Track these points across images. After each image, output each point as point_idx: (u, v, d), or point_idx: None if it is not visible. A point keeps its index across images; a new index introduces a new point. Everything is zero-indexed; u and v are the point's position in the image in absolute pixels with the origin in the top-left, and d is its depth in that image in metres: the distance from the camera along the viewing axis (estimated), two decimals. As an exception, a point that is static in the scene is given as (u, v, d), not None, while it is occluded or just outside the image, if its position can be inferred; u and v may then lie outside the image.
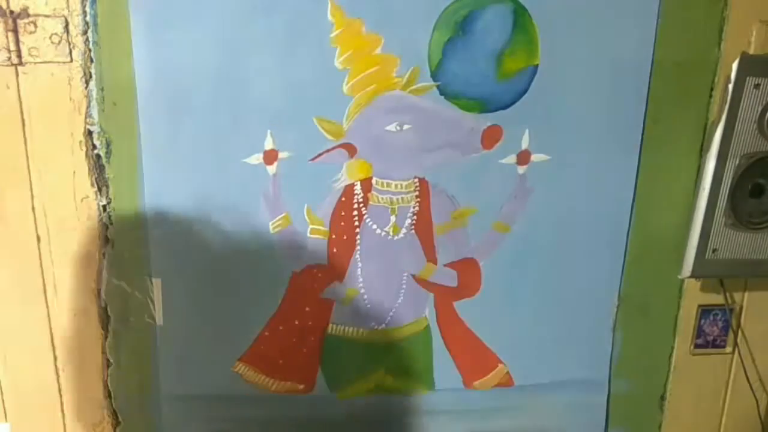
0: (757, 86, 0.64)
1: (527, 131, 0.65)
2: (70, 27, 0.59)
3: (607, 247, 0.70)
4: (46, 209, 0.63)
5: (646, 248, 0.71)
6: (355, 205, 0.66)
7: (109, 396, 0.69)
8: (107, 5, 0.58)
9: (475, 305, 0.70)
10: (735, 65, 0.64)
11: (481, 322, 0.71)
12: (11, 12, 0.58)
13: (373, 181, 0.66)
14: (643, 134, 0.67)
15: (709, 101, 0.67)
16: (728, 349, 0.76)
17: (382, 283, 0.69)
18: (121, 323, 0.67)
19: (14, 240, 0.63)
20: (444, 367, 0.72)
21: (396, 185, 0.66)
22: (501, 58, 0.62)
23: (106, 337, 0.67)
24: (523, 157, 0.66)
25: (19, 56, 0.58)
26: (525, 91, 0.64)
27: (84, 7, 0.58)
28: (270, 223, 0.65)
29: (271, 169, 0.64)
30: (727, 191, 0.67)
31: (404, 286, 0.69)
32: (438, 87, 0.63)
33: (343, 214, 0.66)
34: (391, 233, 0.67)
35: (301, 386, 0.71)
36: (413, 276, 0.69)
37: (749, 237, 0.69)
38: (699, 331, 0.75)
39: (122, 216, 0.64)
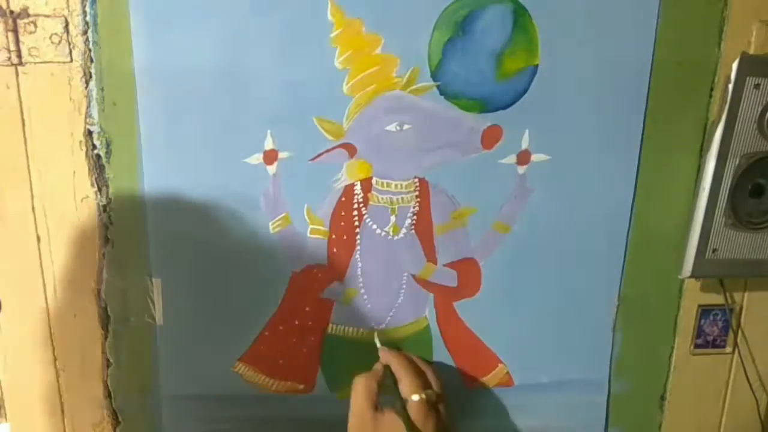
0: (757, 86, 0.64)
1: (527, 131, 0.65)
2: (70, 27, 0.59)
3: (607, 247, 0.70)
4: (46, 209, 0.63)
5: (646, 248, 0.71)
6: (355, 205, 0.66)
7: (109, 396, 0.69)
8: (107, 5, 0.58)
9: (475, 305, 0.70)
10: (735, 65, 0.64)
11: (481, 322, 0.71)
12: (11, 12, 0.58)
13: (373, 181, 0.66)
14: (643, 134, 0.67)
15: (709, 101, 0.67)
16: (728, 349, 0.76)
17: (382, 283, 0.69)
18: (121, 323, 0.67)
19: (14, 240, 0.63)
20: (444, 367, 0.72)
21: (396, 185, 0.66)
22: (501, 58, 0.62)
23: (106, 337, 0.67)
24: (523, 157, 0.66)
25: (19, 56, 0.58)
26: (525, 91, 0.64)
27: (84, 7, 0.58)
28: (270, 223, 0.65)
29: (271, 169, 0.64)
30: (727, 191, 0.67)
31: (404, 286, 0.69)
32: (438, 87, 0.63)
33: (343, 214, 0.66)
34: (391, 233, 0.67)
35: (301, 386, 0.71)
36: (413, 276, 0.69)
37: (749, 237, 0.69)
38: (699, 331, 0.75)
39: (122, 216, 0.64)
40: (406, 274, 0.69)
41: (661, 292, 0.73)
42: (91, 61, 0.60)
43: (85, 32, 0.59)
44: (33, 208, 0.63)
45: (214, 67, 0.60)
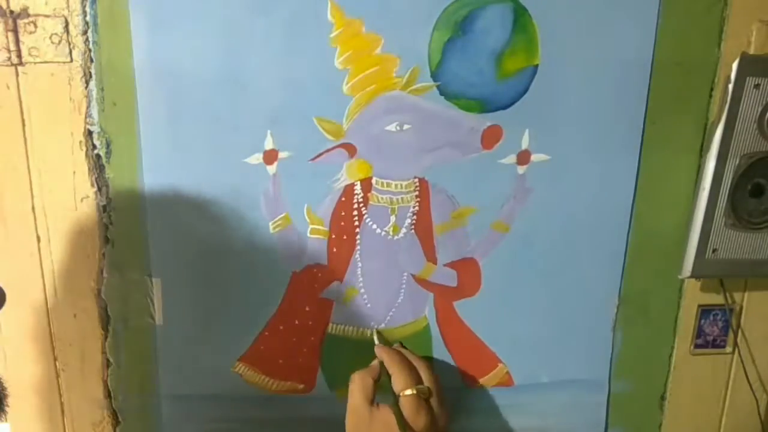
0: (757, 86, 0.64)
1: (527, 131, 0.65)
2: (70, 27, 0.59)
3: (607, 247, 0.70)
4: (46, 209, 0.63)
5: (646, 248, 0.71)
6: (355, 205, 0.66)
7: (109, 396, 0.69)
8: (107, 5, 0.58)
9: (475, 305, 0.70)
10: (735, 65, 0.64)
11: (480, 321, 0.71)
12: (11, 12, 0.58)
13: (373, 181, 0.66)
14: (643, 134, 0.67)
15: (709, 101, 0.67)
16: (728, 349, 0.76)
17: (381, 282, 0.69)
18: (121, 323, 0.67)
19: (14, 240, 0.63)
20: (444, 367, 0.72)
21: (396, 185, 0.66)
22: (501, 58, 0.62)
23: (106, 337, 0.67)
24: (523, 157, 0.66)
25: (19, 56, 0.58)
26: (525, 91, 0.64)
27: (84, 7, 0.58)
28: (270, 223, 0.65)
29: (271, 168, 0.64)
30: (727, 191, 0.67)
31: (404, 286, 0.69)
32: (438, 87, 0.63)
33: (343, 214, 0.66)
34: (391, 233, 0.67)
35: (301, 386, 0.71)
36: (413, 276, 0.69)
37: (749, 237, 0.69)
38: (699, 331, 0.75)
39: (122, 216, 0.64)
40: (405, 273, 0.69)
41: (661, 292, 0.73)
42: (91, 61, 0.60)
43: (85, 32, 0.59)
44: (33, 208, 0.63)
45: (214, 67, 0.60)
